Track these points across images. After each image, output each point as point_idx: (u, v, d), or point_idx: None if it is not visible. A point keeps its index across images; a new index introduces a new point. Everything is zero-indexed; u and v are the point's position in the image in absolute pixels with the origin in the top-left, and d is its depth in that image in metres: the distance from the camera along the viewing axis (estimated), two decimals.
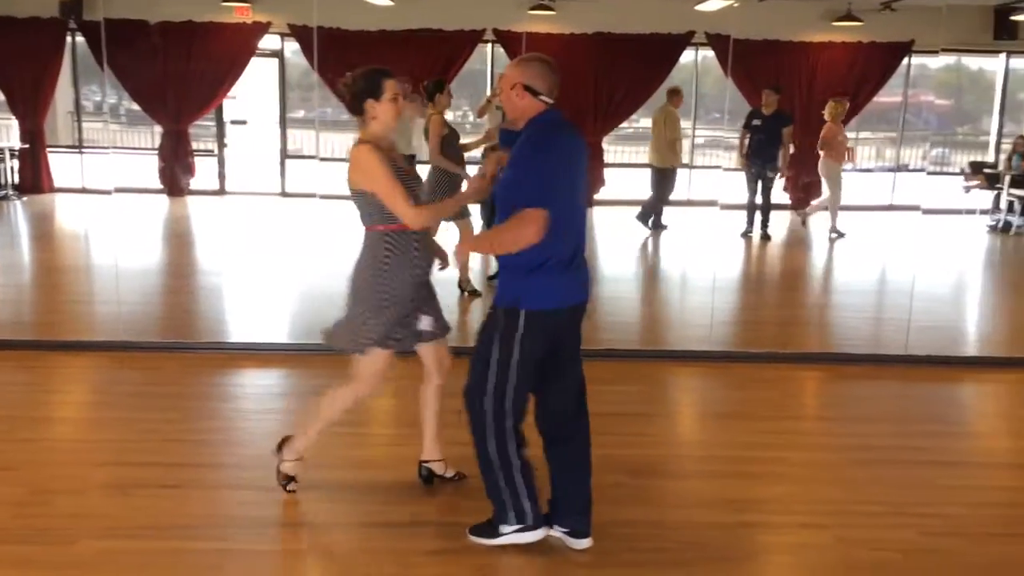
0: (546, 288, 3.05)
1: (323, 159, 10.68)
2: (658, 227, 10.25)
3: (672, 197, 11.97)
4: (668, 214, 10.40)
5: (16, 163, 11.45)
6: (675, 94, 10.29)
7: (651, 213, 10.28)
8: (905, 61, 11.66)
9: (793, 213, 11.35)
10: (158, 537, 3.31)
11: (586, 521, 3.29)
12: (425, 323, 3.52)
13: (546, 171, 2.98)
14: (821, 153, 10.21)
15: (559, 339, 3.17)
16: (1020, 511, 3.74)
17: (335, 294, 6.92)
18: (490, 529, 3.28)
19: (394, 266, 3.36)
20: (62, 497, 3.60)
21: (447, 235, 6.31)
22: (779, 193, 11.01)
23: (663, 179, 10.18)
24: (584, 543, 3.28)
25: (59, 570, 3.08)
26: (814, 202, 10.72)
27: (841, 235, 10.02)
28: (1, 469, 3.82)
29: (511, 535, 3.25)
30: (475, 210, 7.17)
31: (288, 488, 3.61)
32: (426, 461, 3.76)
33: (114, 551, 3.21)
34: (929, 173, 10.08)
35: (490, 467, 3.20)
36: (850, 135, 12.91)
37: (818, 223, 10.52)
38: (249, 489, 3.73)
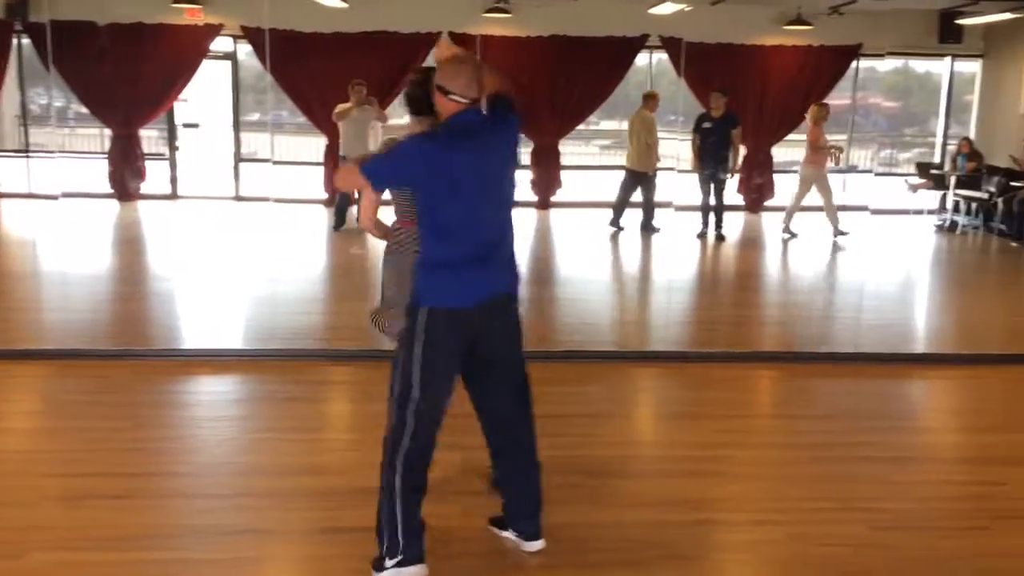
0: (445, 286, 2.97)
1: (277, 163, 10.60)
2: (632, 228, 10.22)
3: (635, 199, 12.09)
4: (624, 216, 10.47)
5: None
6: (651, 98, 10.25)
7: (620, 213, 10.29)
8: (854, 64, 11.90)
9: (746, 214, 11.51)
10: (110, 549, 3.25)
11: (536, 523, 3.29)
12: None
13: (401, 165, 2.96)
14: (803, 156, 10.13)
15: (471, 339, 3.05)
16: (967, 505, 3.84)
17: (288, 298, 6.93)
18: (378, 561, 3.09)
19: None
20: (10, 510, 3.52)
21: None
22: (733, 194, 11.17)
23: (640, 183, 10.17)
24: (536, 545, 3.28)
25: None
26: (787, 212, 10.45)
27: (844, 234, 9.95)
28: None
29: (391, 570, 3.05)
30: None
31: None
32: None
33: (65, 563, 3.15)
34: (877, 174, 10.27)
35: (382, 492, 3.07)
36: (801, 137, 13.15)
37: (771, 223, 10.67)
38: (203, 497, 3.68)
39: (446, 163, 2.87)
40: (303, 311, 6.85)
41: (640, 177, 10.17)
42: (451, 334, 2.98)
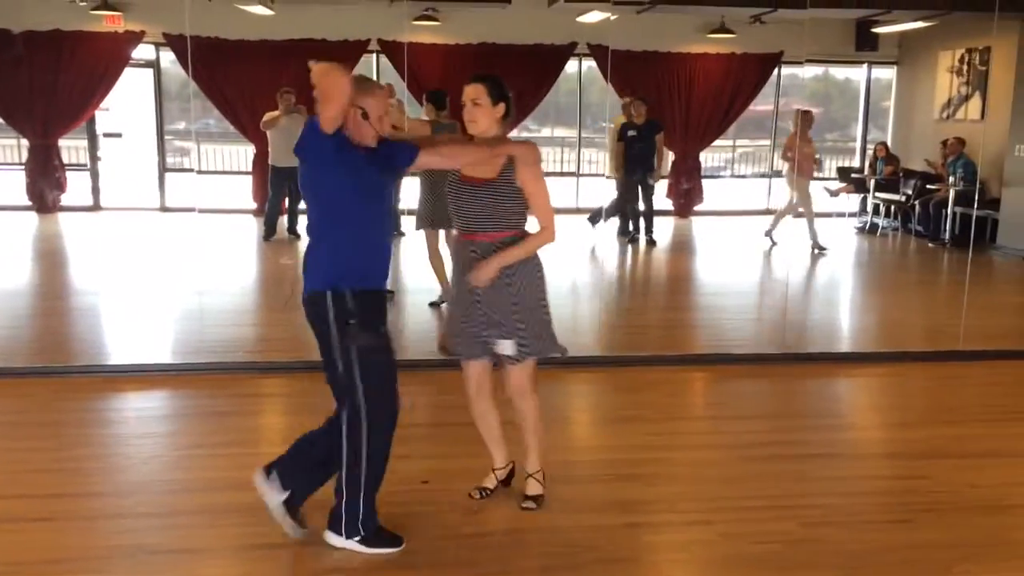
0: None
1: (201, 172, 10.39)
2: (625, 234, 10.25)
3: (559, 206, 12.14)
4: (557, 222, 10.48)
5: None
6: (629, 105, 10.21)
7: (604, 216, 10.28)
8: (776, 71, 12.21)
9: (676, 219, 11.70)
10: (30, 573, 3.13)
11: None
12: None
13: None
14: (785, 165, 9.97)
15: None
16: (893, 499, 3.95)
17: (215, 311, 6.78)
18: None
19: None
20: None
21: None
22: (662, 199, 11.35)
23: (623, 188, 10.19)
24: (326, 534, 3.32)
25: None
26: (777, 216, 10.29)
27: (823, 250, 9.78)
28: None
29: None
30: None
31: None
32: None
33: None
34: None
35: None
36: (727, 143, 13.46)
37: (701, 227, 10.85)
38: (128, 517, 3.58)
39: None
40: (232, 323, 6.72)
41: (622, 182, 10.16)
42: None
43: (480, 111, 3.42)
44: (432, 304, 6.96)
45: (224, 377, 5.32)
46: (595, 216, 10.29)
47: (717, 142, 12.68)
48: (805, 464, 4.25)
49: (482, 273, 3.41)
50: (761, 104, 12.65)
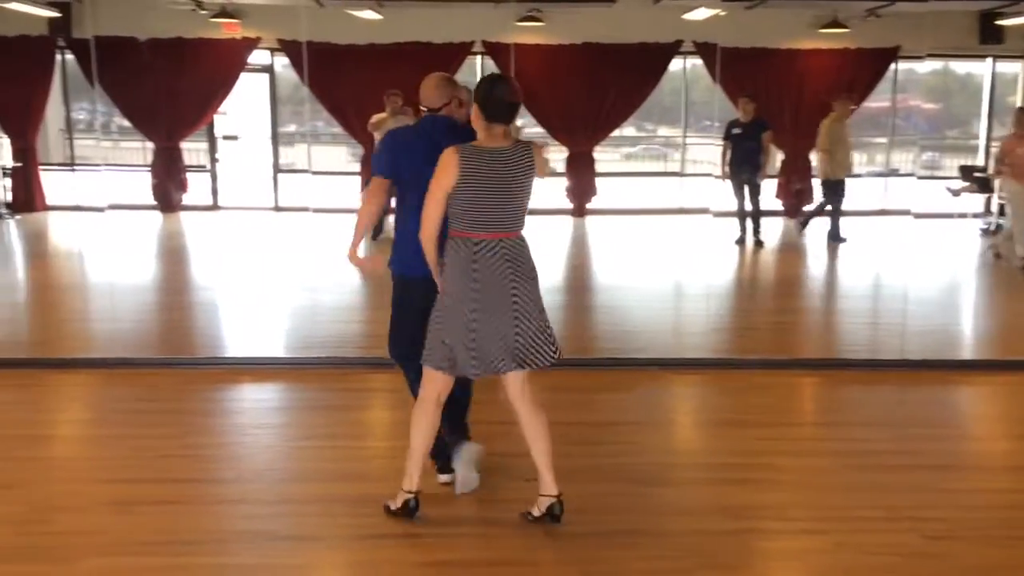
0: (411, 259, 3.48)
1: (315, 173, 10.70)
2: (836, 239, 10.00)
3: (665, 205, 12.03)
4: (661, 223, 10.42)
5: (9, 181, 11.43)
6: (839, 103, 9.93)
7: (810, 219, 10.17)
8: (892, 66, 11.75)
9: (785, 220, 11.42)
10: (159, 553, 3.30)
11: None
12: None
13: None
14: (1003, 171, 9.17)
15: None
16: (1019, 513, 3.76)
17: (327, 307, 6.99)
18: None
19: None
20: (63, 515, 3.59)
21: None
22: (771, 199, 11.08)
23: (830, 190, 9.99)
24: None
25: None
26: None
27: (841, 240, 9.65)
28: (2, 488, 3.81)
29: None
30: None
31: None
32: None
33: (116, 568, 3.21)
34: (920, 177, 10.08)
35: None
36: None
37: (811, 228, 10.54)
38: (248, 503, 3.73)
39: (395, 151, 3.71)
40: (343, 319, 6.91)
41: (828, 184, 9.93)
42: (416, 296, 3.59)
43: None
44: None
45: (334, 372, 5.47)
46: (803, 220, 10.13)
47: None
48: (923, 475, 4.09)
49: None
50: (876, 101, 12.20)
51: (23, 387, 5.19)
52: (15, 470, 4.00)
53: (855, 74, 11.58)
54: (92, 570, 3.19)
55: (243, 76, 11.74)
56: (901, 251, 9.40)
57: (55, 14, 10.60)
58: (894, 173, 11.86)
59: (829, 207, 10.06)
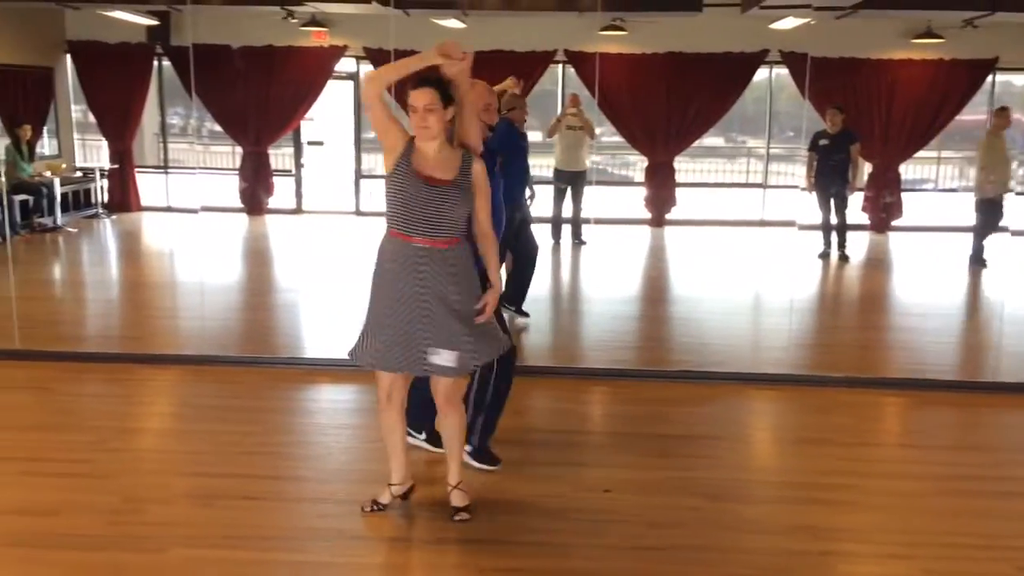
0: None
1: None
2: (979, 262, 9.43)
3: (746, 217, 11.84)
4: (743, 235, 10.21)
5: (106, 183, 11.92)
6: (998, 114, 9.56)
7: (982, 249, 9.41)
8: (989, 79, 11.35)
9: (871, 234, 11.11)
10: (242, 547, 3.39)
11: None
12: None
13: None
14: None
15: None
16: None
17: None
18: None
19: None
20: (152, 506, 3.72)
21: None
22: (857, 213, 10.80)
23: (985, 209, 9.44)
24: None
25: None
26: None
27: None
28: (96, 477, 3.97)
29: None
30: None
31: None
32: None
33: (202, 560, 3.30)
34: (1019, 193, 9.66)
35: None
36: (931, 154, 12.61)
37: (899, 244, 10.25)
38: (328, 502, 3.80)
39: None
40: None
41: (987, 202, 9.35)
42: None
43: (435, 115, 3.32)
44: None
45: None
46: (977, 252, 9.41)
47: (919, 153, 11.93)
48: (1017, 502, 3.93)
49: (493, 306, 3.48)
50: (971, 113, 11.79)
51: (115, 381, 5.40)
52: (109, 461, 4.16)
53: (949, 86, 11.21)
54: (178, 561, 3.29)
55: (329, 83, 12.00)
56: (998, 269, 9.06)
57: (154, 22, 11.04)
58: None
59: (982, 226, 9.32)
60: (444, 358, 3.36)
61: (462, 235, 3.42)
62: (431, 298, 3.35)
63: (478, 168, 3.41)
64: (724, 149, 14.81)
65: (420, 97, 3.30)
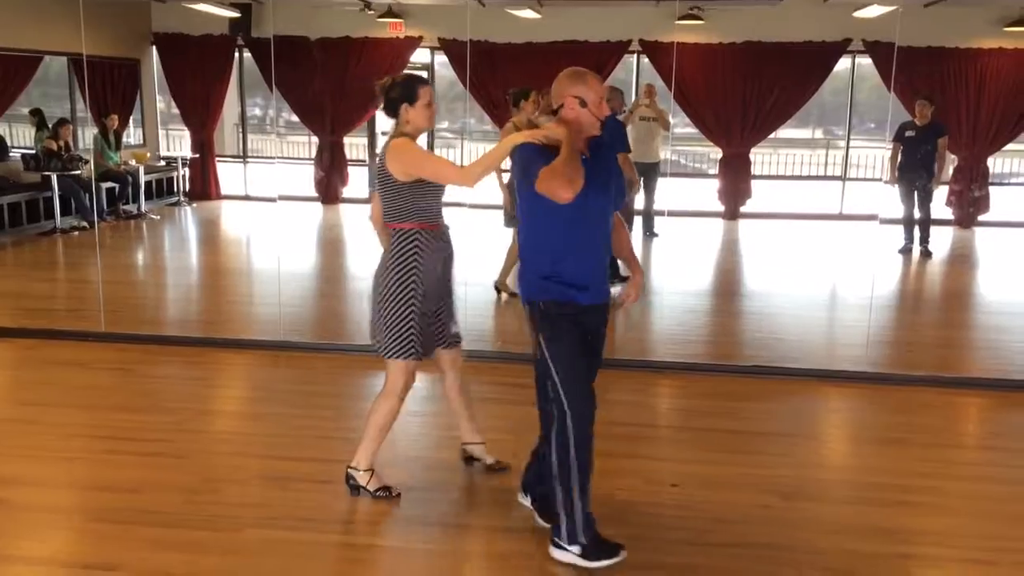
0: None
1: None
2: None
3: (825, 211, 11.57)
4: (822, 228, 9.93)
5: (187, 171, 12.27)
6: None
7: None
8: None
9: (956, 229, 10.74)
10: (316, 530, 3.46)
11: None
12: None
13: None
14: None
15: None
16: None
17: (477, 300, 7.10)
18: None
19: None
20: (227, 486, 3.82)
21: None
22: (941, 207, 10.45)
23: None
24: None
25: (226, 556, 3.27)
26: None
27: None
28: (175, 457, 4.09)
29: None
30: None
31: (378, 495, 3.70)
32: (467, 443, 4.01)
33: (275, 540, 3.38)
34: None
35: None
36: (1021, 147, 12.11)
37: (985, 239, 9.88)
38: (401, 488, 3.83)
39: None
40: (490, 314, 7.01)
41: None
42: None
43: None
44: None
45: (484, 365, 5.55)
46: None
47: (1009, 146, 11.48)
48: None
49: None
50: None
51: (195, 364, 5.56)
52: (188, 441, 4.29)
53: None
54: (252, 541, 3.38)
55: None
56: None
57: (236, 14, 11.30)
58: None
59: None
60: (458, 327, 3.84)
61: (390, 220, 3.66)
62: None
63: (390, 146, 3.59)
64: (801, 140, 14.50)
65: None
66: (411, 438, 4.47)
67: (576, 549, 3.16)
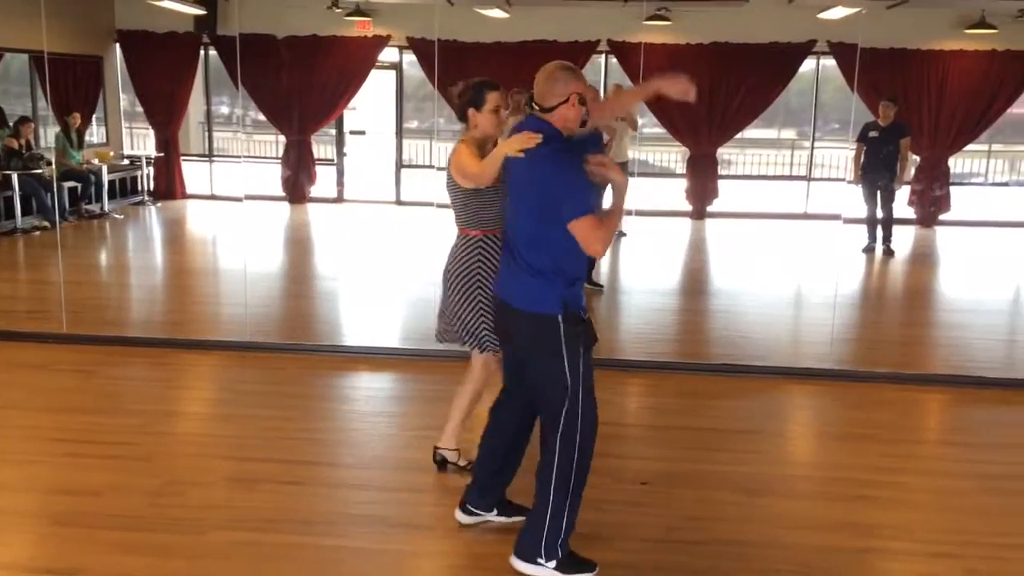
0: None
1: (440, 169, 10.89)
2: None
3: (790, 210, 11.69)
4: (786, 228, 10.05)
5: (152, 170, 12.11)
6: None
7: None
8: None
9: (917, 228, 10.90)
10: (281, 531, 3.43)
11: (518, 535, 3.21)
12: None
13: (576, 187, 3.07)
14: None
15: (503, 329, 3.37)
16: None
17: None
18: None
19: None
20: (192, 488, 3.77)
21: None
22: (903, 207, 10.60)
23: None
24: (512, 559, 3.18)
25: (191, 559, 3.23)
26: None
27: None
28: (139, 460, 4.04)
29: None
30: None
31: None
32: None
33: (241, 543, 3.34)
34: None
35: None
36: (982, 148, 12.34)
37: (946, 239, 10.05)
38: (368, 489, 3.83)
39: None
40: None
41: None
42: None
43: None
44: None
45: (451, 364, 5.53)
46: None
47: (969, 146, 11.68)
48: None
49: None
50: (1022, 106, 11.50)
51: (159, 365, 5.48)
52: (152, 443, 4.23)
53: (1002, 78, 10.97)
54: (217, 543, 3.34)
55: (372, 73, 12.04)
56: None
57: (201, 12, 11.16)
58: None
59: None
60: None
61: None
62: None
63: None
64: (767, 140, 14.64)
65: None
66: (379, 438, 4.45)
67: (552, 564, 3.09)
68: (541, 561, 3.10)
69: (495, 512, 3.47)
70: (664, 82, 3.28)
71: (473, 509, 3.47)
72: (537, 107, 3.06)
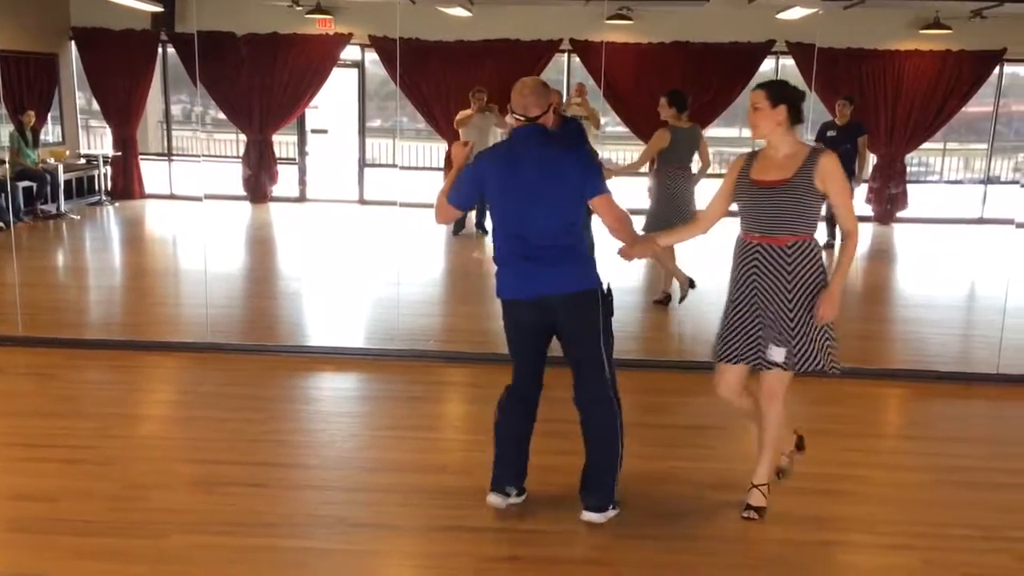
0: (499, 279, 3.50)
1: (403, 168, 10.83)
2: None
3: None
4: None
5: (109, 170, 11.91)
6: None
7: None
8: (996, 70, 11.30)
9: (875, 226, 11.07)
10: (244, 534, 3.40)
11: (586, 496, 3.52)
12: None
13: (463, 186, 3.49)
14: None
15: (519, 326, 3.53)
16: None
17: (410, 300, 7.07)
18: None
19: None
20: (152, 492, 3.72)
21: None
22: (860, 204, 10.76)
23: None
24: (589, 516, 3.49)
25: (152, 563, 3.19)
26: None
27: None
28: (98, 464, 3.97)
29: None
30: None
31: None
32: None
33: (203, 546, 3.30)
34: (1023, 186, 9.61)
35: None
36: (937, 146, 12.56)
37: (903, 236, 10.22)
38: (330, 490, 3.80)
39: (480, 175, 3.46)
40: (424, 312, 6.98)
41: None
42: (509, 319, 3.53)
43: (760, 115, 3.45)
44: (658, 302, 7.16)
45: (415, 364, 5.54)
46: None
47: (925, 145, 11.89)
48: (1018, 494, 3.93)
49: (830, 308, 3.54)
50: (977, 105, 11.74)
51: (118, 368, 5.40)
52: (111, 447, 4.17)
53: (956, 77, 11.17)
54: (178, 547, 3.30)
55: (334, 71, 11.96)
56: (1001, 261, 9.02)
57: (158, 9, 11.00)
58: (995, 181, 11.38)
59: None
60: (773, 354, 3.51)
61: (805, 232, 3.56)
62: (764, 293, 3.56)
63: (825, 163, 3.44)
64: (728, 139, 14.77)
65: (750, 98, 3.50)
66: (343, 439, 4.42)
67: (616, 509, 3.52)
68: (611, 510, 3.50)
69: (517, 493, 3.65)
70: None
71: (509, 491, 3.59)
72: (521, 117, 3.39)
